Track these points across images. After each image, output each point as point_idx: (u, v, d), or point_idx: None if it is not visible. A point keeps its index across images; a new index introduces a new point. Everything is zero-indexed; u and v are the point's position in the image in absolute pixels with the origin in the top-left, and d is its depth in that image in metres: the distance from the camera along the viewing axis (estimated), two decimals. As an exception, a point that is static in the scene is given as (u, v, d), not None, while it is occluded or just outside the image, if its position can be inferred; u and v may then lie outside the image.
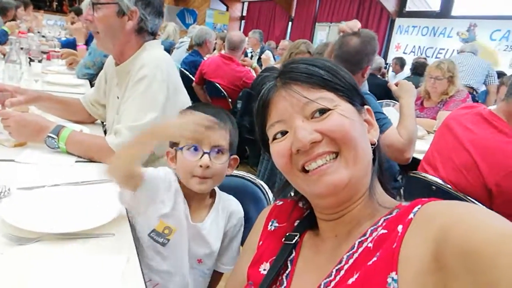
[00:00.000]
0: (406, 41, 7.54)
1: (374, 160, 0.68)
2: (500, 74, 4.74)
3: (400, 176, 2.29)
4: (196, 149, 0.97)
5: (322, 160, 0.62)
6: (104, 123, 1.74)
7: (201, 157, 0.96)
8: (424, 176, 1.46)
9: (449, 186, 1.37)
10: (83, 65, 2.73)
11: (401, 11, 7.67)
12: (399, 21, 7.64)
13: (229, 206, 1.08)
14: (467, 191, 1.31)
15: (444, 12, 6.91)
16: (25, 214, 0.88)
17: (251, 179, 1.17)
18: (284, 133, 0.66)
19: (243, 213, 1.10)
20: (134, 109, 1.32)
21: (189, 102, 1.53)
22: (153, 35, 1.47)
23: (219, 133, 0.98)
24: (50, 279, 0.72)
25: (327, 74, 0.65)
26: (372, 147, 0.67)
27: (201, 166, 0.96)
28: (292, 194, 0.78)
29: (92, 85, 2.55)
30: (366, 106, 0.69)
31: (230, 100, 3.38)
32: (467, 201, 1.29)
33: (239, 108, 2.96)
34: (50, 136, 1.29)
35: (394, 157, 1.59)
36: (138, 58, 1.39)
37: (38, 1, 9.41)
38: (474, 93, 4.44)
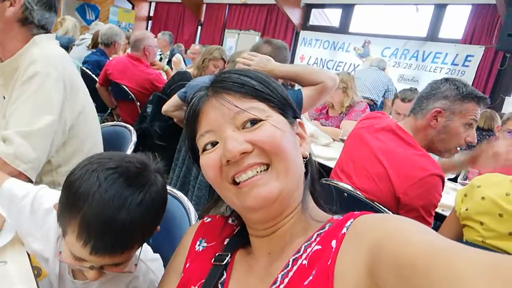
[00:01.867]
0: (310, 53, 7.98)
1: (306, 174, 0.67)
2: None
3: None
4: None
5: (253, 171, 0.60)
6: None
7: None
8: (336, 183, 1.53)
9: (358, 193, 1.45)
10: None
11: (305, 24, 8.10)
12: (303, 34, 8.06)
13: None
14: (378, 198, 1.41)
15: (343, 29, 7.47)
16: None
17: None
18: (214, 144, 0.64)
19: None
20: (26, 112, 1.15)
21: (91, 103, 1.39)
22: (44, 29, 1.30)
23: None
24: None
25: (259, 85, 0.64)
26: (304, 161, 0.66)
27: None
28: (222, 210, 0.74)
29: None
30: (298, 120, 0.69)
31: (138, 103, 3.19)
32: (376, 207, 1.38)
33: (148, 113, 2.81)
34: None
35: None
36: (27, 54, 1.22)
37: None
38: (374, 105, 4.86)
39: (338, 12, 7.66)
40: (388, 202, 1.39)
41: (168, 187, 1.06)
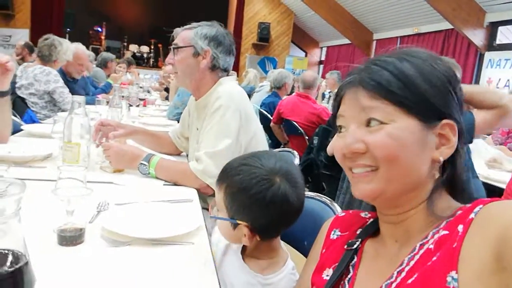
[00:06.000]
0: (498, 75, 7.02)
1: (443, 174, 0.64)
2: None
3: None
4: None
5: (362, 169, 0.64)
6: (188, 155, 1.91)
7: None
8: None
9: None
10: (173, 106, 3.04)
11: (491, 45, 7.23)
12: (489, 55, 7.19)
13: None
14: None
15: (541, 42, 6.37)
16: (120, 223, 1.01)
17: (322, 200, 1.19)
18: (344, 128, 0.67)
19: None
20: (211, 137, 1.45)
21: (261, 130, 1.63)
22: (226, 71, 1.63)
23: (217, 190, 0.97)
24: (137, 276, 0.83)
25: (396, 83, 0.61)
26: (437, 165, 0.63)
27: None
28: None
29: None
30: (445, 121, 0.62)
31: (306, 137, 3.45)
32: None
33: (315, 144, 3.01)
34: (142, 163, 1.47)
35: None
36: (214, 92, 1.55)
37: (138, 59, 10.71)
38: None
39: (532, 24, 6.60)
40: None
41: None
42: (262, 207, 0.88)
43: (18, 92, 2.88)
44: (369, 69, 0.64)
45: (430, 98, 0.62)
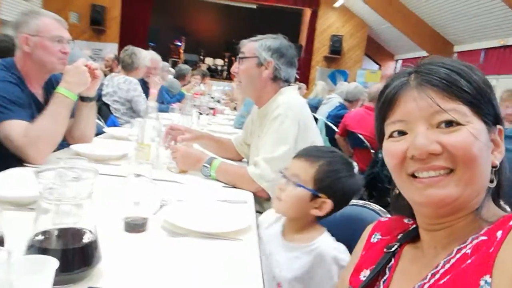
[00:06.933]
0: None
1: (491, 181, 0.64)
2: None
3: None
4: (284, 175, 1.13)
5: (435, 172, 0.61)
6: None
7: (281, 180, 1.12)
8: None
9: None
10: (240, 115, 3.17)
11: None
12: None
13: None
14: None
15: None
16: (179, 216, 1.11)
17: (371, 208, 1.19)
18: (402, 133, 0.64)
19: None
20: (269, 143, 1.52)
21: (320, 141, 1.66)
22: (288, 82, 1.69)
23: (303, 164, 1.11)
24: (189, 264, 0.91)
25: (468, 86, 0.61)
26: (493, 169, 0.63)
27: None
28: None
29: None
30: (499, 126, 0.64)
31: (372, 150, 3.37)
32: None
33: (380, 158, 2.94)
34: (205, 166, 1.57)
35: None
36: (274, 101, 1.62)
37: (213, 71, 11.25)
38: None
39: None
40: None
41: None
42: (345, 188, 1.10)
43: (104, 99, 3.21)
44: (435, 72, 0.62)
45: (493, 101, 0.63)
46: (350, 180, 1.11)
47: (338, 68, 11.27)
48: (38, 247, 0.73)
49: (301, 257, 1.08)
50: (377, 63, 12.62)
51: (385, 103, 0.67)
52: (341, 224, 1.16)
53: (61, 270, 0.67)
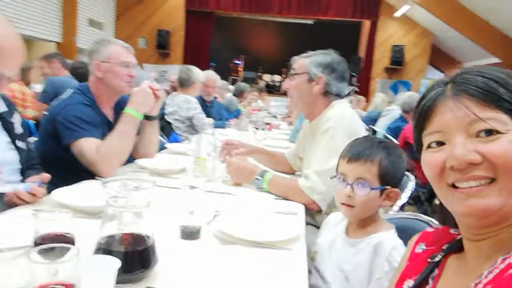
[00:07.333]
0: None
1: None
2: None
3: None
4: (344, 180, 1.14)
5: (476, 182, 0.60)
6: (302, 174, 2.02)
7: (345, 188, 1.12)
8: None
9: None
10: (295, 130, 3.21)
11: None
12: None
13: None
14: None
15: None
16: (231, 225, 1.16)
17: (424, 220, 1.17)
18: (440, 143, 0.64)
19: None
20: (320, 156, 1.54)
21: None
22: (338, 96, 1.70)
23: (362, 166, 1.11)
24: (238, 271, 0.97)
25: (506, 94, 0.60)
26: None
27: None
28: None
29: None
30: None
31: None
32: None
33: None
34: (257, 178, 1.63)
35: None
36: (325, 115, 1.65)
37: (271, 87, 11.43)
38: None
39: None
40: None
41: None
42: (403, 170, 1.18)
43: (166, 118, 3.42)
44: (471, 81, 0.62)
45: None
46: (403, 161, 1.17)
47: (401, 78, 10.90)
48: (104, 249, 0.82)
49: (364, 250, 1.12)
50: (442, 71, 12.00)
51: (422, 114, 0.67)
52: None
53: (123, 270, 0.76)
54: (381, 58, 10.72)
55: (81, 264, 0.66)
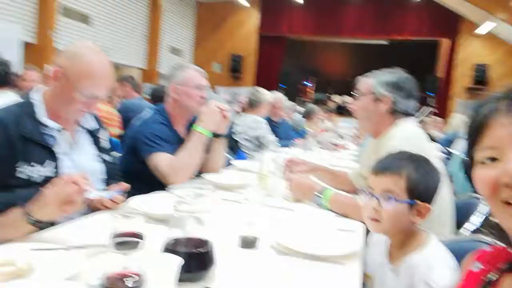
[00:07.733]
0: None
1: None
2: None
3: None
4: (371, 194, 1.12)
5: None
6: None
7: (372, 201, 1.11)
8: None
9: None
10: (362, 151, 3.16)
11: None
12: None
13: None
14: None
15: None
16: (287, 238, 1.20)
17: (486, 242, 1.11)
18: (492, 159, 0.63)
19: None
20: None
21: (443, 174, 1.59)
22: (407, 114, 1.68)
23: (389, 179, 1.09)
24: (291, 281, 1.01)
25: None
26: None
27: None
28: None
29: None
30: None
31: None
32: None
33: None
34: (317, 195, 1.65)
35: None
36: (389, 133, 1.64)
37: (341, 108, 11.31)
38: None
39: None
40: None
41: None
42: (436, 184, 1.14)
43: (234, 136, 3.58)
44: None
45: None
46: (435, 176, 1.14)
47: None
48: (169, 249, 0.92)
49: (401, 273, 1.08)
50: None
51: (474, 128, 0.67)
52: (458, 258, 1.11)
53: (185, 270, 0.84)
54: (461, 78, 10.09)
55: (149, 258, 0.75)
